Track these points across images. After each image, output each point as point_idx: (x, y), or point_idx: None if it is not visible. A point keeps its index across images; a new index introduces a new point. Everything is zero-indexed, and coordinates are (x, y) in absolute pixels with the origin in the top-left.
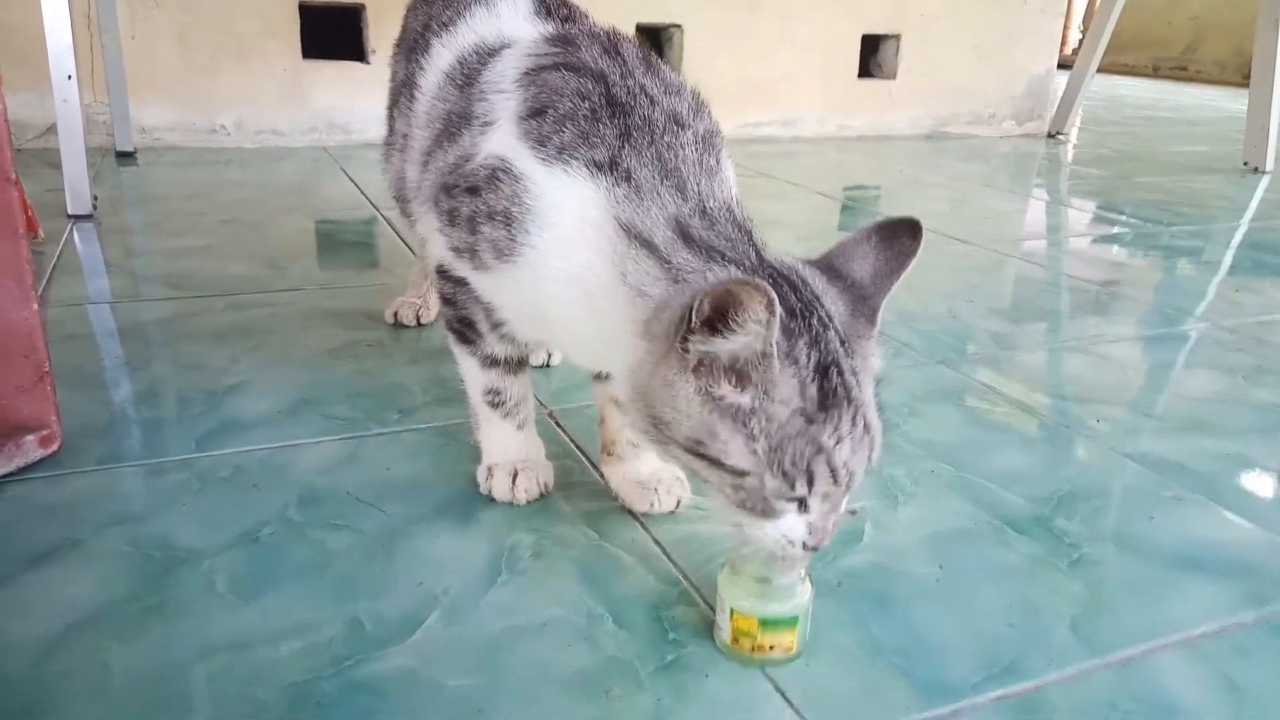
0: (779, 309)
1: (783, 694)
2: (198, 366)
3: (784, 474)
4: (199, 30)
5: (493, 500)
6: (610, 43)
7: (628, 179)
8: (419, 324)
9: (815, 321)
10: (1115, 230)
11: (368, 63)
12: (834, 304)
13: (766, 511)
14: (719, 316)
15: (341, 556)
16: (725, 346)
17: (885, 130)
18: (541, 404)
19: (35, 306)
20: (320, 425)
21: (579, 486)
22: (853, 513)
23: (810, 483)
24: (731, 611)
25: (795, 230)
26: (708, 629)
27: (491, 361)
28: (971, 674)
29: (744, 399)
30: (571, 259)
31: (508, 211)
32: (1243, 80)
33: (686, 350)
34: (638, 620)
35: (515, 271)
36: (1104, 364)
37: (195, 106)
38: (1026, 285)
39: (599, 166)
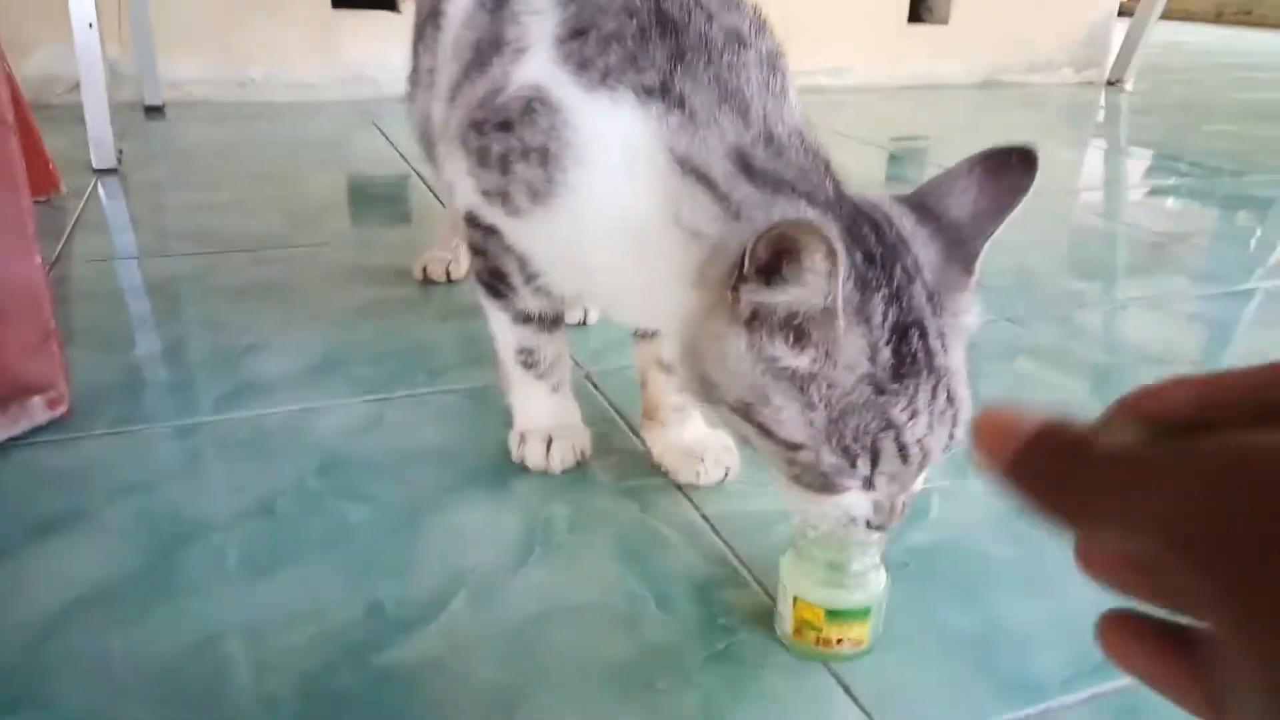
0: (844, 257)
1: (848, 690)
2: (219, 325)
3: (844, 450)
4: None
5: (525, 469)
6: None
7: (681, 105)
8: (449, 280)
9: (898, 272)
10: (1180, 181)
11: (398, 11)
12: (924, 249)
13: (825, 487)
14: (775, 263)
15: (362, 530)
16: (781, 298)
17: (937, 78)
18: (578, 365)
19: (38, 261)
20: (344, 387)
21: (618, 454)
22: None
23: (874, 461)
24: (795, 600)
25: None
26: (762, 615)
27: (525, 318)
28: (1060, 669)
29: (802, 361)
30: (617, 199)
31: (544, 148)
32: None
33: (738, 300)
34: (684, 604)
35: (552, 216)
36: (1178, 321)
37: (224, 60)
38: (1093, 237)
39: (649, 92)
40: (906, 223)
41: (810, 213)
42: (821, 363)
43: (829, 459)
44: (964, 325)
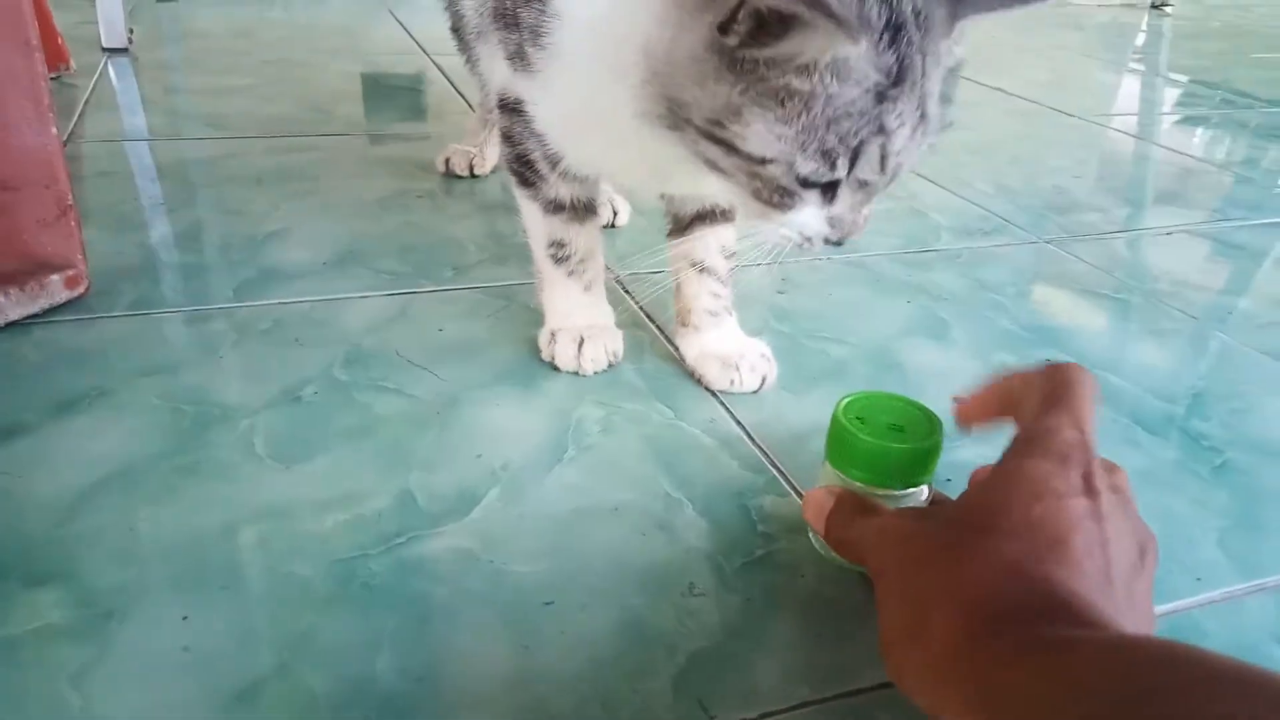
0: (859, 32)
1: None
2: (237, 211)
3: (823, 154)
4: None
5: (555, 369)
6: None
7: None
8: (472, 174)
9: None
10: (1227, 111)
11: None
12: None
13: (783, 202)
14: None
15: (391, 422)
16: (776, 49)
17: None
18: (608, 269)
19: (54, 131)
20: (367, 279)
21: (651, 359)
22: (961, 400)
23: (853, 163)
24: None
25: None
26: (801, 525)
27: (555, 206)
28: None
29: (802, 83)
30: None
31: None
32: None
33: (724, 36)
34: (720, 509)
35: (549, 59)
36: (1229, 250)
37: None
38: (1137, 162)
39: None
40: None
41: None
42: (820, 81)
43: (803, 166)
44: (942, 53)
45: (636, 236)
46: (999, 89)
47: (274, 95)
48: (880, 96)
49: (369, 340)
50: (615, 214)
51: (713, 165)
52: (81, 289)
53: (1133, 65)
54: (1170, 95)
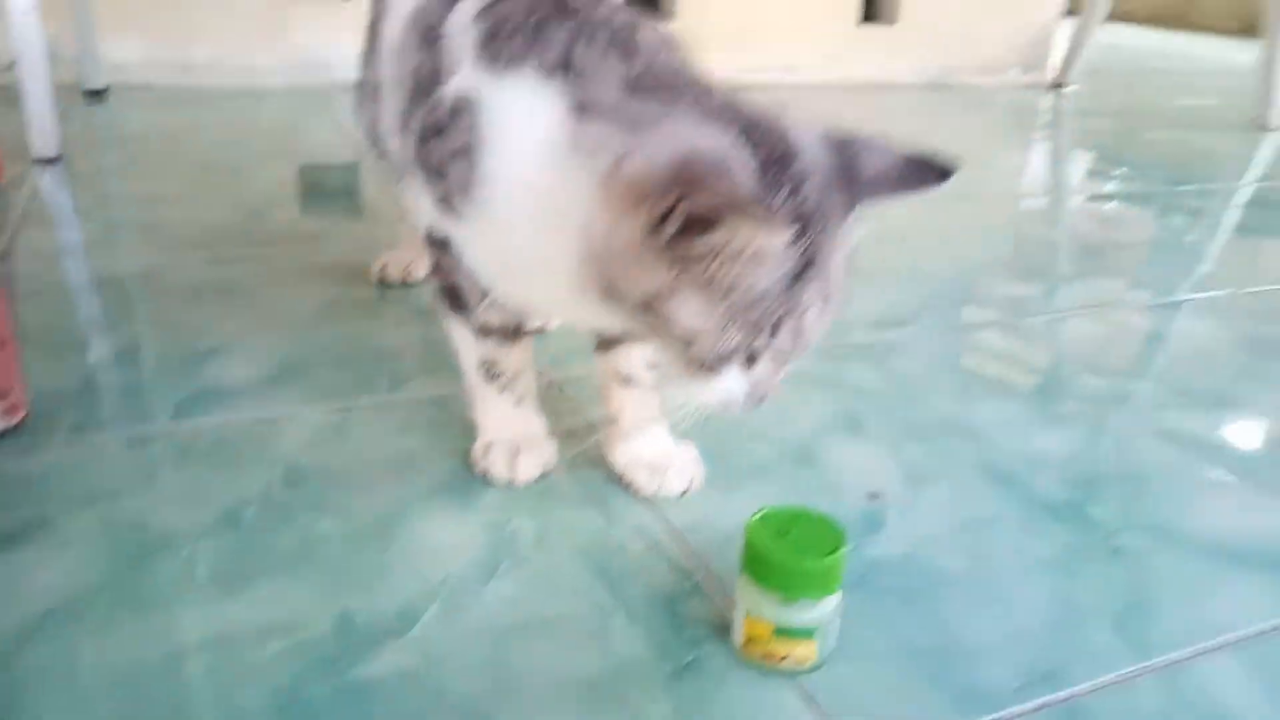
0: (776, 224)
1: (811, 700)
2: (174, 327)
3: (745, 331)
4: None
5: (491, 481)
6: None
7: (578, 71)
8: (406, 282)
9: (793, 173)
10: (1122, 188)
11: None
12: (815, 165)
13: (711, 369)
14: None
15: (331, 542)
16: (703, 244)
17: (887, 79)
18: (541, 372)
19: None
20: (306, 393)
21: (582, 466)
22: (873, 496)
23: (773, 335)
24: (747, 615)
25: None
26: (727, 627)
27: (485, 331)
28: (1011, 679)
29: (719, 269)
30: (523, 160)
31: (466, 144)
32: (1245, 30)
33: (657, 231)
34: (651, 616)
35: (479, 210)
36: (1123, 331)
37: (169, 42)
38: (1038, 245)
39: (549, 67)
40: (805, 136)
41: (707, 126)
42: (739, 268)
43: (727, 341)
44: (843, 233)
45: (568, 340)
46: None
47: (210, 202)
48: (792, 281)
49: (308, 457)
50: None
51: (647, 334)
52: (20, 417)
53: (1037, 146)
54: (1075, 175)
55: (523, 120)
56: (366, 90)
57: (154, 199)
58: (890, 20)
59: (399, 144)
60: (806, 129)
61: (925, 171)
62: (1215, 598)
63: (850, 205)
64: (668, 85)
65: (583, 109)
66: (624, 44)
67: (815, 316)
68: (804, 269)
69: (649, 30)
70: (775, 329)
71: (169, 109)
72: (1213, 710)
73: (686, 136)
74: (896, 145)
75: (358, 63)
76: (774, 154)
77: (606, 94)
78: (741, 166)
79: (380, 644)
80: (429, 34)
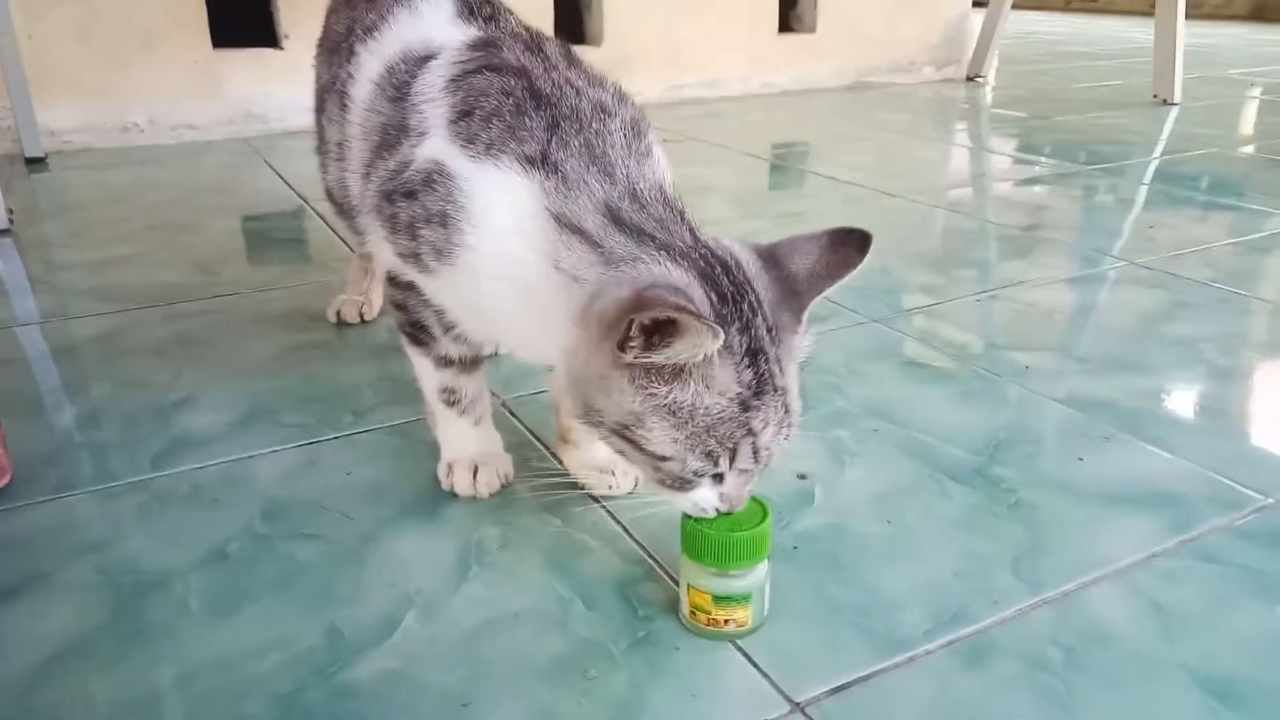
0: (719, 331)
1: (749, 658)
2: (141, 384)
3: (707, 454)
4: (100, 24)
5: (455, 496)
6: (532, 41)
7: (557, 170)
8: (362, 321)
9: (746, 308)
10: (1035, 172)
11: (281, 48)
12: (765, 290)
13: (683, 487)
14: (657, 330)
15: (312, 566)
16: (661, 356)
17: (809, 84)
18: (494, 394)
19: None
20: (274, 434)
21: (538, 474)
22: (802, 477)
23: (732, 459)
24: (689, 587)
25: (727, 194)
26: (675, 604)
27: (446, 361)
28: (923, 623)
29: (682, 394)
30: (506, 254)
31: (443, 213)
32: (1151, 9)
33: (622, 354)
34: (607, 601)
35: (455, 273)
36: (1031, 309)
37: (104, 105)
38: (954, 235)
39: (529, 160)
40: (752, 265)
41: (671, 265)
42: (696, 393)
43: (693, 464)
44: (796, 353)
45: (520, 363)
46: (831, 178)
47: (160, 262)
48: (745, 405)
49: (283, 492)
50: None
51: (623, 454)
52: (5, 480)
53: (956, 139)
54: (995, 163)
55: (507, 210)
56: (330, 150)
57: (105, 263)
58: (809, 29)
59: (359, 188)
60: (745, 252)
61: (847, 246)
62: (1100, 537)
63: (798, 314)
64: (640, 221)
65: (563, 223)
66: (603, 158)
67: (772, 435)
68: (758, 393)
69: (618, 134)
70: (734, 451)
71: (110, 171)
72: (1098, 629)
73: (650, 274)
74: (813, 233)
75: (315, 124)
76: (728, 291)
77: (587, 218)
78: (699, 297)
79: (366, 650)
80: (398, 93)
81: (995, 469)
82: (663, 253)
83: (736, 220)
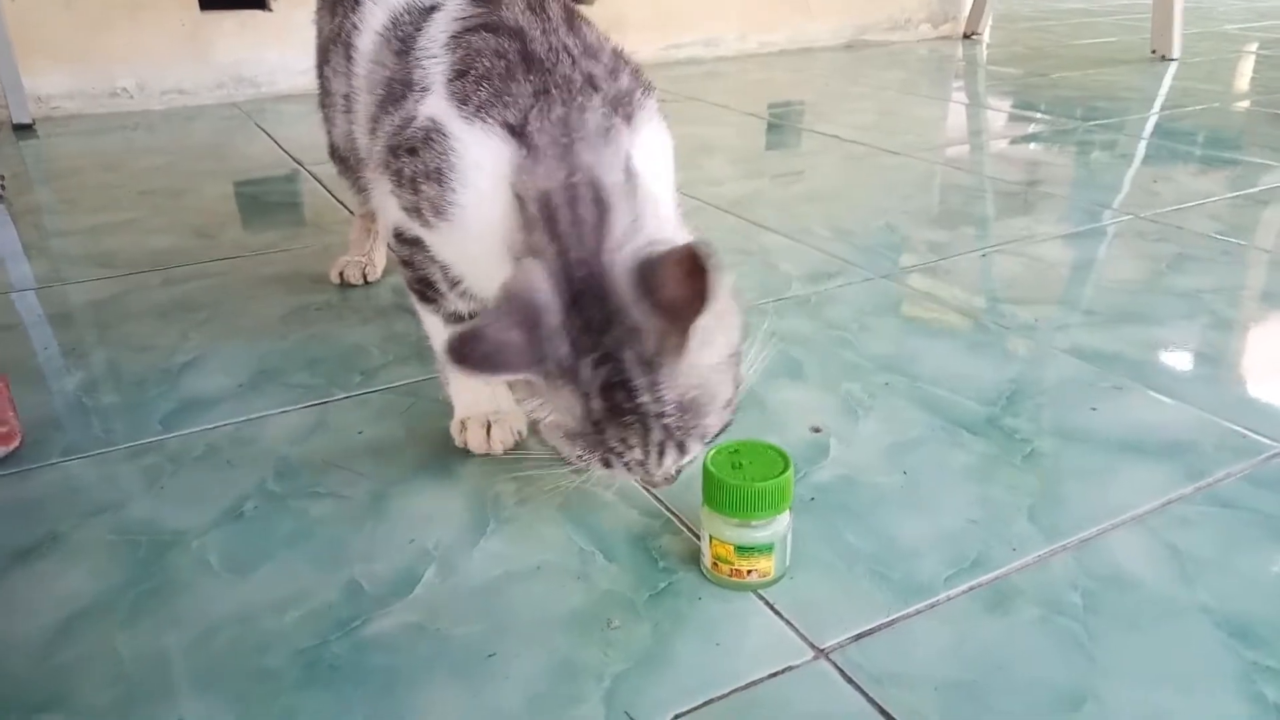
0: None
1: (772, 607)
2: (146, 347)
3: (580, 455)
4: None
5: (469, 453)
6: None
7: (531, 145)
8: (365, 282)
9: (610, 339)
10: (1034, 129)
11: (270, 9)
12: (646, 316)
13: (605, 464)
14: None
15: (328, 523)
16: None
17: (806, 42)
18: None
19: None
20: (283, 395)
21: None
22: (816, 430)
23: (608, 465)
24: (711, 539)
25: (727, 153)
26: (695, 556)
27: (455, 318)
28: (943, 570)
29: (537, 409)
30: (485, 217)
31: (440, 169)
32: None
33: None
34: (627, 554)
35: (451, 229)
36: (1035, 264)
37: (92, 70)
38: (956, 191)
39: (512, 130)
40: (639, 288)
41: (545, 282)
42: (549, 409)
43: (576, 456)
44: (686, 372)
45: None
46: (834, 136)
47: (156, 227)
48: (600, 428)
49: (295, 452)
50: None
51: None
52: (16, 443)
53: (954, 96)
54: (993, 120)
55: (488, 175)
56: (336, 104)
57: (100, 229)
58: None
59: (367, 143)
60: (641, 272)
61: (698, 275)
62: (1116, 484)
63: (681, 336)
64: (559, 219)
65: (520, 200)
66: (568, 140)
67: (643, 454)
68: (614, 418)
69: (597, 112)
70: (606, 461)
71: (101, 136)
72: (1117, 574)
73: (515, 284)
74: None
75: (318, 76)
76: (595, 319)
77: (531, 202)
78: (551, 323)
79: (387, 604)
80: (403, 45)
81: (1007, 420)
82: (553, 263)
83: (738, 179)
